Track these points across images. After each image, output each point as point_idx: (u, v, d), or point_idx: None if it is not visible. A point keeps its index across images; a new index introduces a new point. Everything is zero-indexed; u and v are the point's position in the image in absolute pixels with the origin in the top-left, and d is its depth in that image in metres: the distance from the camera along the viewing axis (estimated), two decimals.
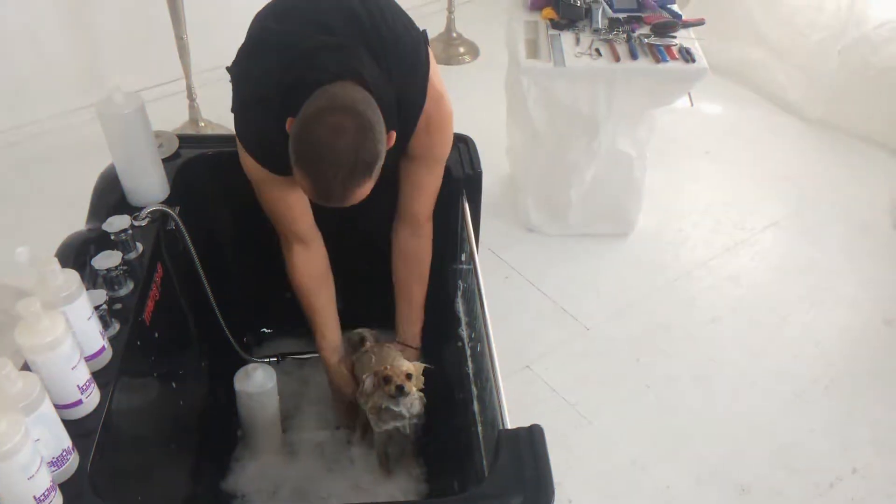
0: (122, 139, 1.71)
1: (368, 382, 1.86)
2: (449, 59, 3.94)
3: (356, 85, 1.46)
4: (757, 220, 3.10)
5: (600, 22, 2.63)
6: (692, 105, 2.75)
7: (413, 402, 1.89)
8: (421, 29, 1.67)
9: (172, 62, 3.14)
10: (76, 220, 1.74)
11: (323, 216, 1.85)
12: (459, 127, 1.95)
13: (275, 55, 1.55)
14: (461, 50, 4.00)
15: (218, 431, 2.09)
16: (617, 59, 2.50)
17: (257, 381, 1.95)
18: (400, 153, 1.72)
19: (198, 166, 1.95)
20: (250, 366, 1.97)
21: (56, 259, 1.33)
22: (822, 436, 2.34)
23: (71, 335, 1.28)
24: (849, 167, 3.37)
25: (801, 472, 2.24)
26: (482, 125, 2.31)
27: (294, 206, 1.78)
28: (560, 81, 2.54)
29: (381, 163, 1.46)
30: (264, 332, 2.35)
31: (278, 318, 2.33)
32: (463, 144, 2.01)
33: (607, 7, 2.66)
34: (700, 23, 2.67)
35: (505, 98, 2.96)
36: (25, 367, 1.28)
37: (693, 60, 2.51)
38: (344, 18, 1.57)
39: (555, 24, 2.65)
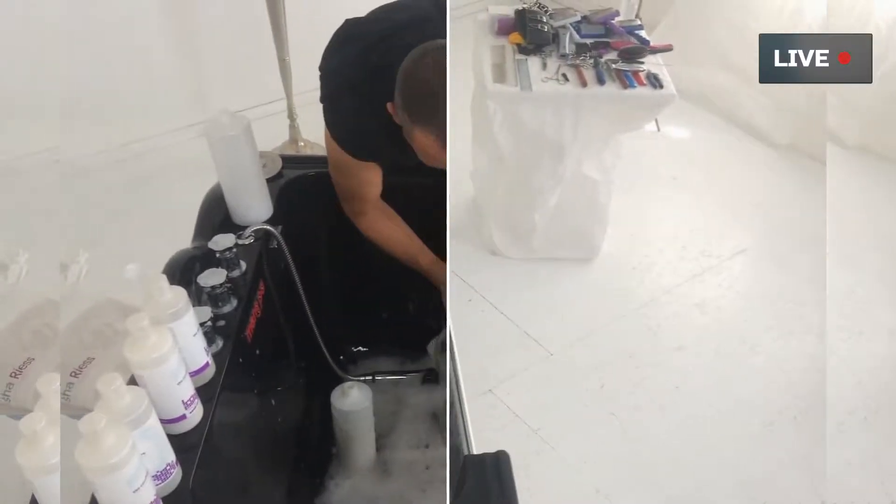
0: (228, 160, 1.75)
1: None
2: None
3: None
4: (724, 247, 3.02)
5: (567, 47, 2.58)
6: (659, 130, 2.67)
7: None
8: None
9: (274, 82, 3.22)
10: (182, 237, 1.79)
11: None
12: None
13: (359, 43, 1.60)
14: None
15: (313, 449, 2.11)
16: (584, 84, 2.46)
17: (353, 400, 1.95)
18: None
19: (299, 187, 1.99)
20: (346, 384, 1.98)
21: (164, 276, 1.36)
22: (791, 468, 2.28)
23: (177, 351, 1.30)
24: (816, 193, 3.24)
25: None
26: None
27: (376, 183, 1.84)
28: (526, 106, 2.49)
29: None
30: (360, 350, 2.37)
31: (373, 336, 2.33)
32: None
33: (575, 32, 2.62)
34: (668, 49, 2.61)
35: (470, 122, 2.91)
36: (132, 381, 1.31)
37: (661, 86, 2.46)
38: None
39: (522, 49, 2.61)
